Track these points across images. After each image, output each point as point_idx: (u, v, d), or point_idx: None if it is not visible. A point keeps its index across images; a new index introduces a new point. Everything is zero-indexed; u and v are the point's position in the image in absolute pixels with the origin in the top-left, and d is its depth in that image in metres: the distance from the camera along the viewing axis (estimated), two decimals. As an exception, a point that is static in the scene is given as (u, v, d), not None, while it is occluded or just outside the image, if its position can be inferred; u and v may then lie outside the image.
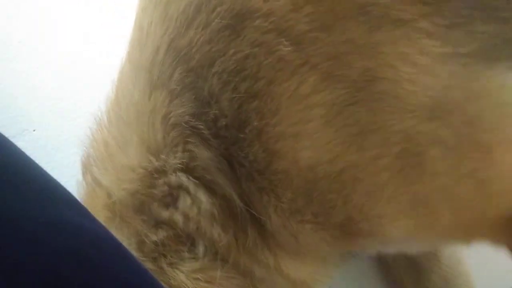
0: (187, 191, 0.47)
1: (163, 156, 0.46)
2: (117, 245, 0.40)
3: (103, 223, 0.46)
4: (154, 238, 0.48)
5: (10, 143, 0.41)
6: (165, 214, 0.48)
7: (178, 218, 0.48)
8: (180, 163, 0.46)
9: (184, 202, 0.47)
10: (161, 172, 0.47)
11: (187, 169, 0.46)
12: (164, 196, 0.47)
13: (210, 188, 0.46)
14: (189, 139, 0.45)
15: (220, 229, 0.47)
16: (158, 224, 0.49)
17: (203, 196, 0.46)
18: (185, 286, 0.49)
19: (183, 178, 0.46)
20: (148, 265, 0.49)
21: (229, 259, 0.49)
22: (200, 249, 0.49)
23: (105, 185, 0.50)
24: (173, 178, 0.46)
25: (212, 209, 0.46)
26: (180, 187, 0.47)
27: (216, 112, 0.44)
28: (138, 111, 0.47)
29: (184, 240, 0.49)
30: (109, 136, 0.50)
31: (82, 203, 0.49)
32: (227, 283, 0.50)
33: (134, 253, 0.48)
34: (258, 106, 0.42)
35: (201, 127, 0.45)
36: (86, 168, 0.53)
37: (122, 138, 0.49)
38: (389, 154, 0.41)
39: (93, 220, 0.41)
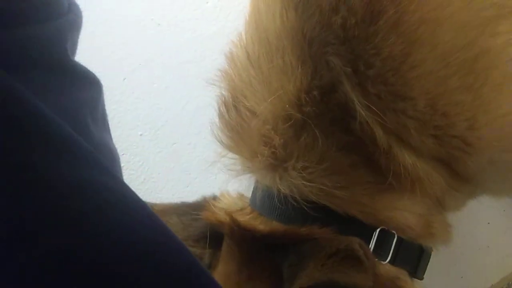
0: (353, 111, 0.46)
1: (319, 74, 0.46)
2: (143, 205, 0.40)
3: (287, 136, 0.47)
4: (349, 162, 0.48)
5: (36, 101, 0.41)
6: (349, 138, 0.47)
7: (361, 144, 0.47)
8: (331, 77, 0.45)
9: (356, 127, 0.46)
10: (327, 92, 0.46)
11: (338, 85, 0.45)
12: (341, 118, 0.47)
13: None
14: (325, 50, 0.44)
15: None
16: (345, 149, 0.48)
17: (369, 114, 0.45)
18: (386, 214, 0.51)
19: (347, 94, 0.45)
20: (338, 195, 0.49)
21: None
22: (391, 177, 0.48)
23: (267, 111, 0.49)
24: (338, 97, 0.46)
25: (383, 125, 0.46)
26: (347, 107, 0.46)
27: (344, 13, 0.43)
28: (282, 33, 0.46)
29: (376, 168, 0.49)
30: (258, 69, 0.49)
31: (228, 138, 0.52)
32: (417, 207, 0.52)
33: (323, 179, 0.48)
34: None
35: (331, 36, 0.44)
36: (234, 102, 0.52)
37: (276, 66, 0.48)
38: None
39: (116, 179, 0.40)
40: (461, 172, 0.50)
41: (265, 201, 0.54)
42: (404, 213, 0.53)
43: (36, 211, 0.31)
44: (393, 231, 0.53)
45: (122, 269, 0.32)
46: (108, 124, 0.58)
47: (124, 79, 1.02)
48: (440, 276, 0.99)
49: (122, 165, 0.59)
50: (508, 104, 0.44)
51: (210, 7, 0.97)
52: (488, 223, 0.99)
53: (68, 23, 0.47)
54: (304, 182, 0.49)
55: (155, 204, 0.70)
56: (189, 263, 0.38)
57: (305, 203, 0.50)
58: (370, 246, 0.52)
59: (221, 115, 0.54)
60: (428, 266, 0.60)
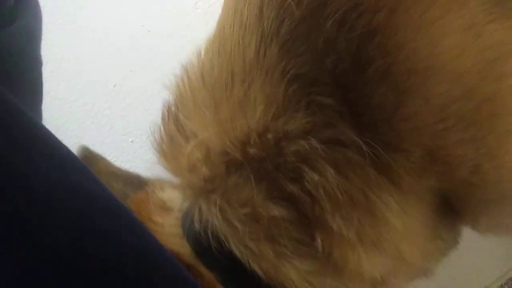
0: (315, 161, 0.42)
1: (287, 117, 0.42)
2: (124, 211, 0.40)
3: (199, 180, 0.44)
4: (274, 214, 0.43)
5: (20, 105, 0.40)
6: (291, 189, 0.43)
7: (305, 198, 0.43)
8: (306, 123, 0.41)
9: (312, 176, 0.42)
10: (288, 137, 0.42)
11: (313, 130, 0.41)
12: (292, 168, 0.42)
13: (337, 150, 0.41)
14: (311, 90, 0.41)
15: (341, 220, 0.42)
16: (279, 199, 0.43)
17: (330, 169, 0.41)
18: (292, 285, 0.45)
19: (313, 142, 0.41)
20: (247, 242, 0.44)
21: (341, 265, 0.44)
22: (319, 245, 0.44)
23: (206, 140, 0.45)
24: (300, 144, 0.42)
25: (337, 188, 0.41)
26: (307, 156, 0.42)
27: (333, 58, 0.40)
28: (254, 68, 0.43)
29: (305, 228, 0.44)
30: (210, 95, 0.45)
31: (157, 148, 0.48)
32: None
33: (238, 224, 0.44)
34: (380, 42, 0.39)
35: (321, 76, 0.41)
36: (173, 117, 0.49)
37: (235, 98, 0.44)
38: None
39: (98, 183, 0.40)
40: (458, 206, 0.47)
41: (185, 222, 0.51)
42: None
43: (25, 216, 0.32)
44: None
45: (109, 273, 0.33)
46: None
47: (115, 85, 1.02)
48: (431, 277, 0.98)
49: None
50: None
51: (200, 13, 0.97)
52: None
53: None
54: (218, 222, 0.45)
55: (110, 165, 0.69)
56: (178, 271, 0.39)
57: (214, 243, 0.46)
58: None
59: (163, 120, 0.51)
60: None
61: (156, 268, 0.38)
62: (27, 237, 0.32)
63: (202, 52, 0.48)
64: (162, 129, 0.51)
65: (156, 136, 0.51)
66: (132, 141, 1.03)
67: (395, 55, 0.38)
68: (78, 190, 0.36)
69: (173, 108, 0.50)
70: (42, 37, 0.70)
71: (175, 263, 0.40)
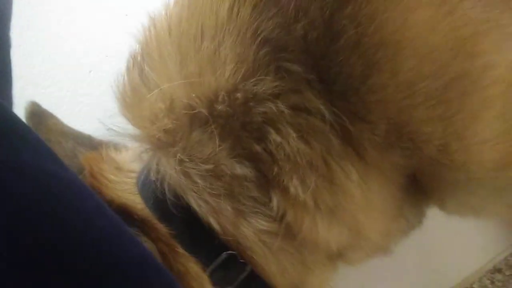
0: (279, 124, 0.42)
1: (257, 79, 0.42)
2: (90, 194, 0.39)
3: (157, 130, 0.44)
4: (236, 172, 0.44)
5: None
6: (255, 148, 0.43)
7: (267, 158, 0.43)
8: (274, 87, 0.41)
9: (275, 138, 0.42)
10: (256, 99, 0.42)
11: (281, 94, 0.42)
12: (257, 127, 0.43)
13: (301, 116, 0.42)
14: (280, 55, 0.41)
15: (299, 182, 0.43)
16: (242, 157, 0.44)
17: (292, 133, 0.42)
18: (247, 242, 0.46)
19: (280, 106, 0.42)
20: (206, 198, 0.45)
21: (296, 229, 0.45)
22: (274, 205, 0.44)
23: (170, 91, 0.45)
24: (268, 107, 0.42)
25: (297, 152, 0.42)
26: (273, 118, 0.42)
27: (305, 24, 0.40)
28: (225, 25, 0.43)
29: (263, 188, 0.44)
30: (177, 48, 0.45)
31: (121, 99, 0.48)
32: (283, 256, 0.47)
33: (198, 179, 0.44)
34: (352, 12, 0.38)
35: (291, 42, 0.41)
36: (138, 64, 0.48)
37: (204, 53, 0.43)
38: (504, 63, 0.38)
39: (63, 166, 0.39)
40: (425, 185, 0.47)
41: (140, 177, 0.51)
42: (269, 254, 0.48)
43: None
44: (249, 265, 0.48)
45: (76, 256, 0.32)
46: None
47: (90, 71, 0.99)
48: (413, 269, 0.99)
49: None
50: (485, 131, 0.40)
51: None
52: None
53: None
54: (177, 175, 0.45)
55: (61, 124, 0.68)
56: (141, 254, 0.38)
57: (170, 196, 0.47)
58: (210, 267, 0.48)
59: (127, 70, 0.51)
60: (400, 259, 0.59)
61: (126, 249, 0.37)
62: None
63: (171, 4, 0.48)
64: (125, 79, 0.50)
65: (119, 86, 0.50)
66: (109, 129, 1.00)
67: (366, 26, 0.38)
68: (39, 173, 0.35)
69: (138, 58, 0.49)
70: (13, 18, 0.68)
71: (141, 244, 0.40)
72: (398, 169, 0.45)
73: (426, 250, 1.01)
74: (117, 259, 0.35)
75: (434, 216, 0.60)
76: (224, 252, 0.47)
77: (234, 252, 0.47)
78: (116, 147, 0.58)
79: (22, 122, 0.40)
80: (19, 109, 0.67)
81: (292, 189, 0.43)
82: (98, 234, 0.35)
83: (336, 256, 0.50)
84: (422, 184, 0.47)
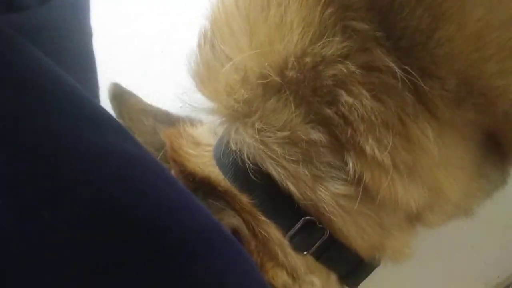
0: (351, 85, 0.42)
1: (325, 41, 0.42)
2: (161, 169, 0.41)
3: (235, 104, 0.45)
4: (312, 137, 0.44)
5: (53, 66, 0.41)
6: (327, 112, 0.43)
7: (339, 121, 0.43)
8: (342, 47, 0.41)
9: (347, 99, 0.42)
10: (325, 62, 0.42)
11: (350, 54, 0.41)
12: (328, 91, 0.43)
13: (373, 75, 0.41)
14: (346, 14, 0.41)
15: (375, 142, 0.42)
16: (315, 123, 0.44)
17: (365, 93, 0.41)
18: (326, 207, 0.47)
19: (350, 66, 0.41)
20: (284, 164, 0.46)
21: (374, 190, 0.45)
22: (350, 168, 0.44)
23: (243, 62, 0.46)
24: (338, 68, 0.42)
25: (371, 111, 0.42)
26: (344, 80, 0.42)
27: None
28: None
29: (338, 152, 0.45)
30: (245, 20, 0.45)
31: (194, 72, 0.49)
32: (361, 219, 0.48)
33: (276, 147, 0.45)
34: None
35: (354, 1, 0.40)
36: (209, 39, 0.49)
37: (271, 21, 0.44)
38: None
39: (136, 144, 0.41)
40: (503, 143, 0.45)
41: (218, 149, 0.52)
42: (347, 217, 0.48)
43: (63, 179, 0.33)
44: (327, 229, 0.49)
45: (154, 223, 0.34)
46: None
47: (162, 51, 1.04)
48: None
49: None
50: None
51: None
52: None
53: None
54: (256, 144, 0.46)
55: (141, 102, 0.70)
56: (212, 224, 0.39)
57: (250, 164, 0.48)
58: (290, 232, 0.50)
59: (199, 47, 0.51)
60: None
61: (196, 220, 0.38)
62: (66, 194, 0.32)
63: None
64: (198, 56, 0.51)
65: (192, 63, 0.51)
66: (184, 105, 1.05)
67: None
68: (114, 151, 0.37)
69: (209, 34, 0.49)
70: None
71: (210, 216, 0.41)
72: (473, 126, 0.43)
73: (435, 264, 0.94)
74: (190, 229, 0.36)
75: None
76: (303, 218, 0.49)
77: (312, 218, 0.48)
78: (192, 122, 0.61)
79: (108, 113, 0.42)
80: (103, 91, 0.72)
81: (368, 150, 0.43)
82: (173, 206, 0.37)
83: (415, 219, 0.50)
84: (500, 142, 0.45)
